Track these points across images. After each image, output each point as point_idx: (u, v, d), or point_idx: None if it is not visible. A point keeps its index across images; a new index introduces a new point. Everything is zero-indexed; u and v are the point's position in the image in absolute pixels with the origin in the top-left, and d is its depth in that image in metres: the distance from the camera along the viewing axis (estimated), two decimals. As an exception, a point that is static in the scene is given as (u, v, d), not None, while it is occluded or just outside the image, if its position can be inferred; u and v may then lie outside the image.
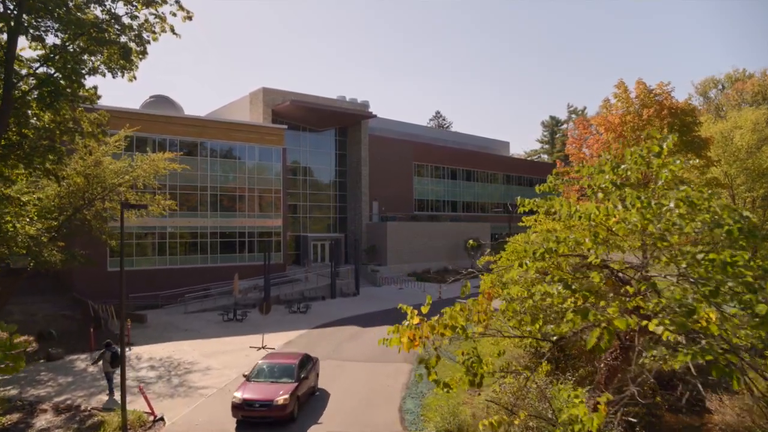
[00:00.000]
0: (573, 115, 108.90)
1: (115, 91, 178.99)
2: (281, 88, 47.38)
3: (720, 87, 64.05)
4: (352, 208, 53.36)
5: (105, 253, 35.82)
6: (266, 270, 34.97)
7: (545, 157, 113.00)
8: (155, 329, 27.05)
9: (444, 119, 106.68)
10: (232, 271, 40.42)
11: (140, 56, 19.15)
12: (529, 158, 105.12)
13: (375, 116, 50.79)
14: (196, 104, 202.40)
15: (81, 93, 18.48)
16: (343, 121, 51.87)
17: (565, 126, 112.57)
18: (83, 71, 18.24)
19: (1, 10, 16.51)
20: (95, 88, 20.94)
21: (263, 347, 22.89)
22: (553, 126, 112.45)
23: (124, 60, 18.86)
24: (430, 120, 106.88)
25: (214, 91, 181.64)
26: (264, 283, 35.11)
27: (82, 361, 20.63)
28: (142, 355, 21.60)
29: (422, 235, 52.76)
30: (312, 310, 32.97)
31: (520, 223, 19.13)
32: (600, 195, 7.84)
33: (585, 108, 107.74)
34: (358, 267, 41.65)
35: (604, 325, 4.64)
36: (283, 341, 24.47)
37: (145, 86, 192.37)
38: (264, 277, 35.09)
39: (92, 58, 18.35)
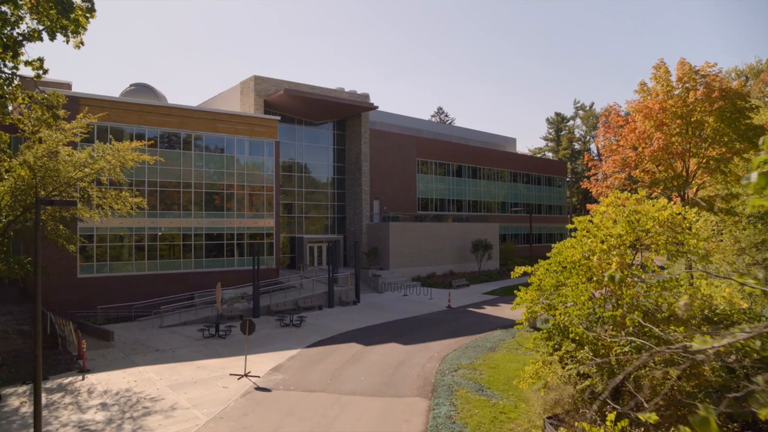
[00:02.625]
0: (580, 111, 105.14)
1: (104, 84, 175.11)
2: (274, 77, 43.41)
3: (743, 78, 60.23)
4: (351, 207, 49.40)
5: (74, 258, 31.88)
6: (255, 277, 31.00)
7: (550, 155, 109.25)
8: (121, 349, 23.03)
9: (446, 115, 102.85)
10: (218, 277, 36.46)
11: (87, 14, 15.20)
12: (535, 156, 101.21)
13: (376, 107, 46.83)
14: (192, 103, 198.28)
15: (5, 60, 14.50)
16: (341, 113, 47.90)
17: (571, 123, 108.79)
18: (9, 31, 14.34)
19: None
20: (41, 60, 17.09)
21: (246, 375, 18.94)
22: (558, 123, 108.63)
23: (65, 19, 14.94)
24: (432, 116, 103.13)
25: (213, 91, 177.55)
26: (253, 292, 31.12)
27: (18, 397, 16.63)
28: (96, 387, 17.59)
29: (427, 237, 48.83)
30: (307, 322, 29.03)
31: (569, 225, 15.24)
32: None
33: (593, 104, 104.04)
34: (358, 272, 37.69)
35: None
36: (270, 365, 20.50)
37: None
38: (253, 285, 31.13)
39: (18, 12, 14.37)
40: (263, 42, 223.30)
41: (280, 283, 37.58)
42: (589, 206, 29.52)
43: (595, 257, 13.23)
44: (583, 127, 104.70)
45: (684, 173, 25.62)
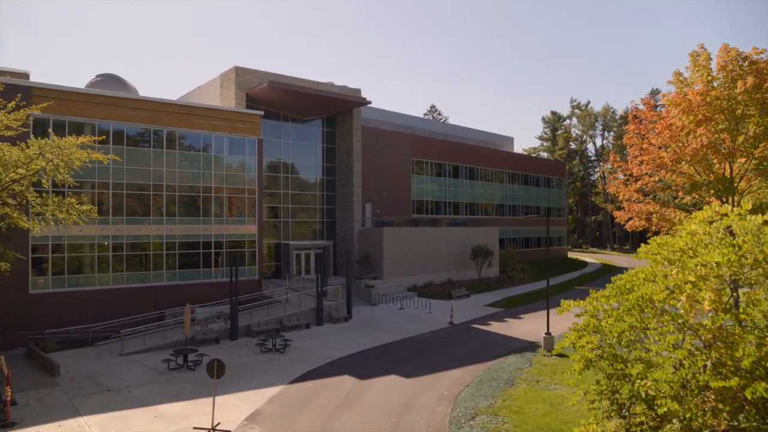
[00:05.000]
0: (576, 110, 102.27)
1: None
2: (257, 68, 39.55)
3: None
4: (341, 211, 45.63)
5: (25, 272, 27.82)
6: (233, 293, 27.13)
7: (545, 155, 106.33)
8: (66, 388, 19.07)
9: (439, 113, 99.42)
10: (193, 290, 32.56)
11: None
12: (534, 156, 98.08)
13: (369, 102, 43.14)
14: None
15: None
16: (331, 109, 44.12)
17: (567, 122, 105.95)
18: None
19: None
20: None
21: (213, 429, 15.13)
22: (554, 122, 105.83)
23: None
24: (425, 114, 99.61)
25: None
26: (230, 311, 27.24)
27: None
28: (16, 453, 13.72)
29: (423, 243, 45.20)
30: (292, 346, 25.25)
31: (639, 249, 11.60)
32: None
33: (589, 102, 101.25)
34: (350, 284, 33.96)
35: None
36: (246, 411, 16.75)
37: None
38: (230, 303, 27.25)
39: None
40: (251, 40, 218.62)
41: (263, 297, 33.76)
42: (616, 214, 26.09)
43: (684, 296, 9.63)
44: (580, 127, 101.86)
45: (729, 176, 22.25)
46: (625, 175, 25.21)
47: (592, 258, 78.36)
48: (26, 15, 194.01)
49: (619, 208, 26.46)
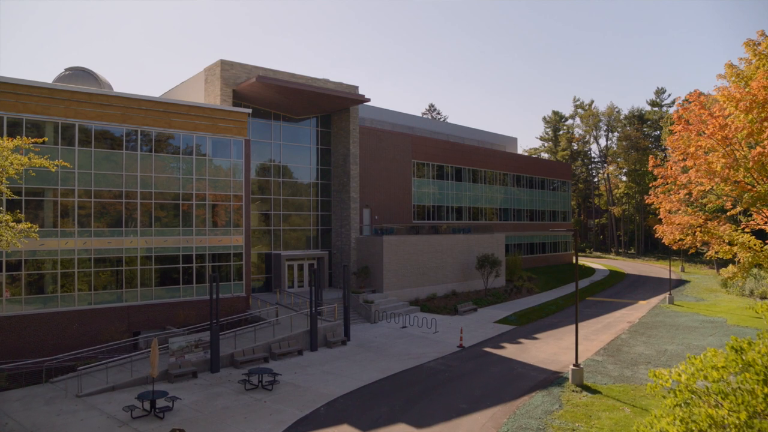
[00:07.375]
0: (579, 110, 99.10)
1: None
2: (244, 62, 35.97)
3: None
4: (338, 217, 42.07)
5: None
6: (213, 316, 23.51)
7: (546, 155, 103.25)
8: (0, 449, 15.49)
9: (438, 113, 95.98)
10: (171, 311, 29.00)
11: None
12: (539, 157, 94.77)
13: (368, 100, 39.52)
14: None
15: None
16: (326, 107, 40.53)
17: (570, 122, 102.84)
18: None
19: None
20: None
21: None
22: (556, 122, 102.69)
23: None
24: (423, 114, 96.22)
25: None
26: (211, 339, 23.59)
27: None
28: None
29: (426, 252, 41.73)
30: (282, 382, 21.67)
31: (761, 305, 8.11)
32: None
33: (592, 102, 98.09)
34: (347, 302, 30.37)
35: None
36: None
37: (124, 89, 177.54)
38: (210, 329, 23.61)
39: None
40: (246, 40, 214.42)
41: (251, 317, 30.18)
42: (657, 228, 22.69)
43: None
44: (584, 127, 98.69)
45: (797, 186, 18.87)
46: (666, 183, 21.78)
47: (597, 264, 75.17)
48: (26, 15, 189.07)
49: (653, 217, 23.10)
